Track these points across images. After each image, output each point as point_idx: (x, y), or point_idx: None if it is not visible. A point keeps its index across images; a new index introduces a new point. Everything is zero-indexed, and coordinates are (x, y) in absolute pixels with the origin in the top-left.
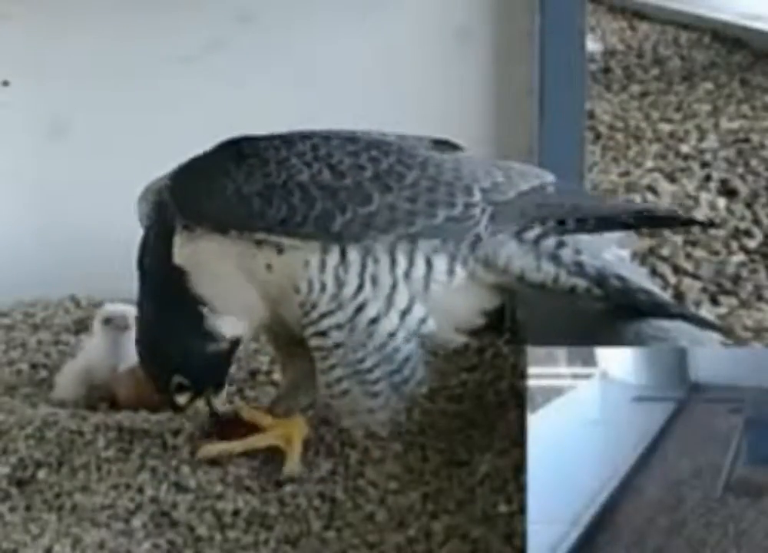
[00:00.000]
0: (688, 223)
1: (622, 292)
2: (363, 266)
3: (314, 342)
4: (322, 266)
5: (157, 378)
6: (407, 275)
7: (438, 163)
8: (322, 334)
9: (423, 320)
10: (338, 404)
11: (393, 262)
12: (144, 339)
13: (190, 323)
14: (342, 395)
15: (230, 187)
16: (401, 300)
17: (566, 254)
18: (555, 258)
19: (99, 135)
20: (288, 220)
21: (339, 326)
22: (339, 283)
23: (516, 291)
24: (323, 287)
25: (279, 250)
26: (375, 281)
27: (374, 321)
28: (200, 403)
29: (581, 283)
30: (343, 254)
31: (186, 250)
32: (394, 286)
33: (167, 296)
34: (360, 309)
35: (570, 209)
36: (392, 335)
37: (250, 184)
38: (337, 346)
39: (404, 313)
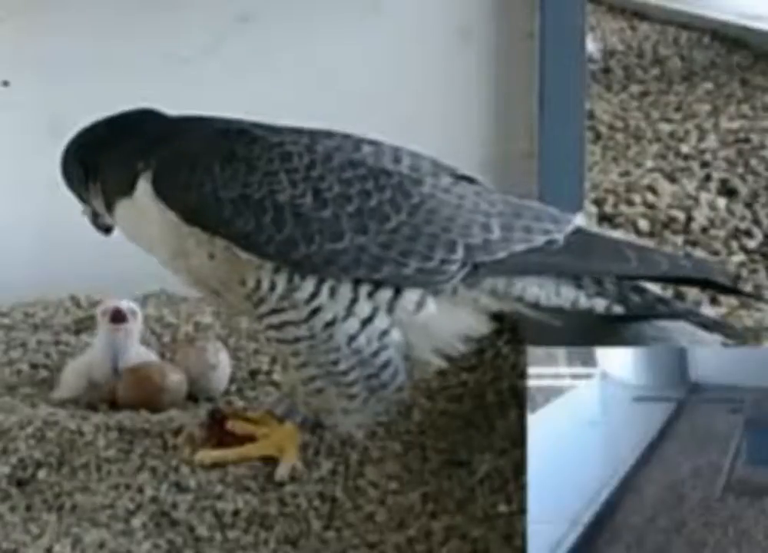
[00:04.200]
0: (723, 289)
1: (642, 306)
2: (322, 280)
3: (271, 333)
4: (276, 269)
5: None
6: (370, 295)
7: (432, 209)
8: (278, 328)
9: (386, 332)
10: (314, 402)
11: (356, 282)
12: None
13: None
14: (317, 393)
15: (208, 187)
16: (362, 310)
17: (585, 276)
18: (576, 280)
19: None
20: (251, 237)
21: (294, 323)
22: (292, 287)
23: (522, 315)
24: (273, 286)
25: (230, 249)
26: (333, 292)
27: (330, 324)
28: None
29: (601, 303)
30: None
31: (143, 197)
32: (355, 300)
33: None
34: (315, 311)
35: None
36: (353, 338)
37: (228, 189)
38: (297, 339)
39: (365, 322)
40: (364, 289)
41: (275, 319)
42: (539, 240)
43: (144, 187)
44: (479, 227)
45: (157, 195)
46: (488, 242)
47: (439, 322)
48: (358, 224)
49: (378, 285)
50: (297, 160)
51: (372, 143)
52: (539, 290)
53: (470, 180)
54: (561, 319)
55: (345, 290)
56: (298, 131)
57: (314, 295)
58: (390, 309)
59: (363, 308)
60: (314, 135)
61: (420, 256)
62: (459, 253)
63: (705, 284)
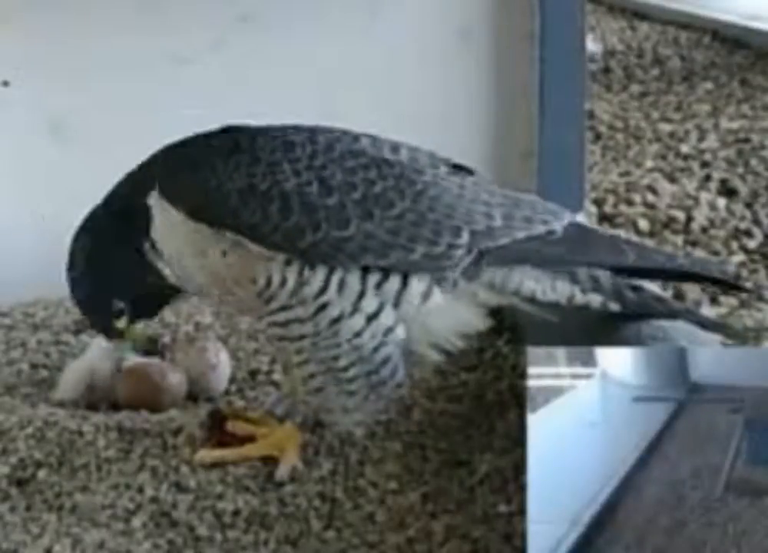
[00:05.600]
0: (718, 283)
1: (638, 303)
2: (331, 270)
3: (276, 331)
4: (287, 263)
5: (96, 305)
6: (378, 286)
7: (435, 196)
8: (283, 325)
9: (391, 329)
10: (313, 400)
11: (365, 273)
12: (83, 269)
13: (133, 256)
14: (317, 391)
15: (213, 181)
16: (369, 305)
17: (582, 271)
18: (572, 275)
19: (99, 135)
20: (258, 227)
21: (300, 320)
22: (302, 281)
23: (520, 310)
24: (284, 281)
25: (240, 244)
26: (342, 286)
27: (336, 321)
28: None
29: (596, 299)
30: (311, 264)
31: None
32: (362, 294)
33: (114, 230)
34: (323, 307)
35: (559, 264)
36: (357, 334)
37: (233, 181)
38: (302, 337)
39: (371, 318)
40: (372, 280)
41: (281, 317)
42: (539, 229)
43: (154, 196)
44: (481, 215)
45: (162, 195)
46: (492, 228)
47: (439, 316)
48: (363, 211)
49: (386, 275)
50: (300, 150)
51: (370, 136)
52: (535, 284)
53: (467, 171)
54: (557, 315)
55: (354, 282)
56: (297, 127)
57: (323, 289)
58: (397, 304)
59: (370, 303)
60: (314, 129)
61: (427, 241)
62: (465, 238)
63: (703, 280)
